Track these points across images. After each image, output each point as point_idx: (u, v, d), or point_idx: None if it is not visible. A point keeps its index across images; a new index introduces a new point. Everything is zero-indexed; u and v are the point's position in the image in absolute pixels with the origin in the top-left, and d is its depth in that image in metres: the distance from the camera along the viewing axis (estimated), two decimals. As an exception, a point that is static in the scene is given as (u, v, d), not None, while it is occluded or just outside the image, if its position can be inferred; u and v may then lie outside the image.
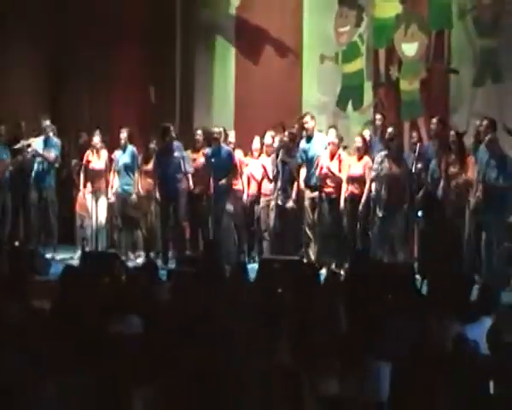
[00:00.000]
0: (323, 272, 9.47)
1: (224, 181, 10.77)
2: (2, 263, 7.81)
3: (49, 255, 10.62)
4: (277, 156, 10.79)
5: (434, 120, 10.34)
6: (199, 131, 11.32)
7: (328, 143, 10.35)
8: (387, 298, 6.32)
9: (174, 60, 13.30)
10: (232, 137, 11.46)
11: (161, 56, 13.15)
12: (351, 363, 4.98)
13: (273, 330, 5.24)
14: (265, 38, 12.95)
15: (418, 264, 9.55)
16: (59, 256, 11.04)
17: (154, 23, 13.13)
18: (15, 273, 6.29)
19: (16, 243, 11.20)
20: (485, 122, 9.56)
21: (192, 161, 11.07)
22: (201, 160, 11.05)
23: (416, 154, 9.99)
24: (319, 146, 10.52)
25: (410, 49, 12.00)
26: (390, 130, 10.49)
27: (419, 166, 9.93)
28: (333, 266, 10.18)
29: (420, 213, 9.80)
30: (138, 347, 5.04)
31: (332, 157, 10.33)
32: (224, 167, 10.78)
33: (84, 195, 11.34)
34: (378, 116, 11.20)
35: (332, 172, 10.27)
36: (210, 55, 13.35)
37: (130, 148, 11.12)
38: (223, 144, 10.97)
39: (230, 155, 10.90)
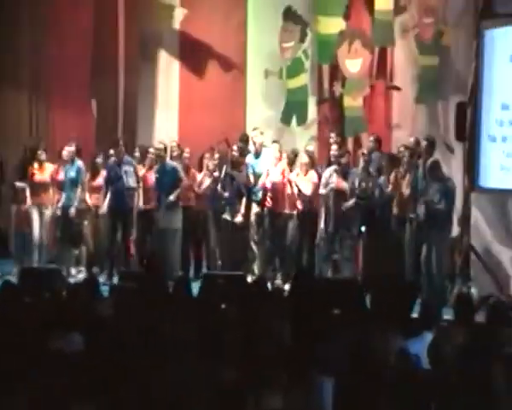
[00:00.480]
0: (268, 286, 9.48)
1: (171, 197, 10.70)
2: None
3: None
4: (220, 171, 10.80)
5: (372, 138, 10.50)
6: (151, 149, 11.22)
7: (274, 158, 10.44)
8: (332, 313, 6.34)
9: (117, 73, 13.18)
10: (187, 152, 11.40)
11: (104, 70, 13.02)
12: (295, 378, 4.97)
13: (217, 346, 5.20)
14: (210, 52, 12.93)
15: (362, 279, 9.62)
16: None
17: (97, 36, 13.00)
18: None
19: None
20: (424, 143, 9.71)
21: (143, 177, 11.01)
22: (152, 176, 10.98)
23: (361, 170, 10.10)
24: (267, 161, 10.57)
25: (353, 65, 12.09)
26: (335, 147, 10.59)
27: (363, 183, 10.03)
28: (278, 280, 10.21)
29: (363, 228, 9.89)
30: (79, 363, 4.96)
31: (277, 172, 10.40)
32: (169, 183, 10.72)
33: (28, 208, 11.17)
34: (332, 134, 11.26)
35: (277, 187, 10.33)
36: (153, 68, 13.26)
37: (77, 162, 11.02)
38: (168, 160, 10.91)
39: (175, 171, 10.82)
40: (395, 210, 9.74)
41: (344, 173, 10.16)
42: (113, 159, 10.95)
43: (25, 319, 5.65)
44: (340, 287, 7.92)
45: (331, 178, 10.14)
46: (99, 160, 11.24)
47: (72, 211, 10.92)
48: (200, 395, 4.60)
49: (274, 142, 10.92)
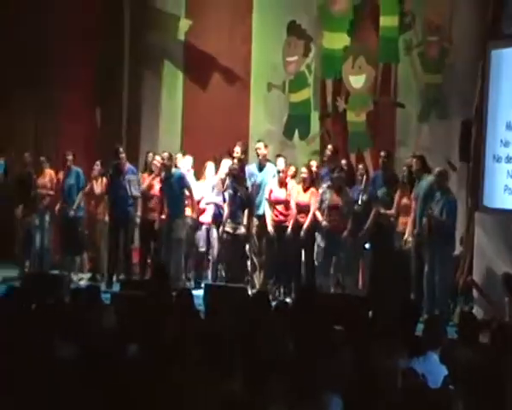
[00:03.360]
0: (270, 300, 9.48)
1: (175, 207, 10.67)
2: None
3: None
4: (223, 183, 10.78)
5: (383, 153, 10.45)
6: (157, 157, 11.14)
7: (278, 172, 10.41)
8: (334, 329, 6.33)
9: (122, 83, 13.22)
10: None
11: (109, 79, 13.05)
12: (300, 395, 4.95)
13: (221, 358, 5.17)
14: (214, 64, 12.96)
15: (365, 295, 9.58)
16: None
17: (103, 46, 13.03)
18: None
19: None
20: (414, 160, 9.74)
21: (149, 185, 10.95)
22: (157, 185, 10.94)
23: (362, 186, 10.08)
24: (269, 176, 10.55)
25: (357, 81, 12.12)
26: (343, 162, 10.59)
27: (364, 197, 10.02)
28: (278, 293, 10.18)
29: (367, 245, 9.87)
30: (81, 371, 4.93)
31: (281, 185, 10.39)
32: (175, 193, 10.69)
33: (30, 214, 11.18)
34: (329, 146, 11.27)
35: (281, 201, 10.32)
36: (158, 79, 13.30)
37: (75, 169, 11.00)
38: (174, 169, 10.88)
39: (181, 181, 10.79)
40: (400, 227, 9.73)
41: (337, 189, 10.10)
42: (112, 167, 10.93)
43: (30, 325, 5.63)
44: (343, 303, 7.91)
45: (325, 194, 10.10)
46: (98, 167, 11.23)
47: (72, 214, 10.90)
48: (207, 406, 4.57)
49: (279, 155, 10.88)
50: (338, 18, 12.32)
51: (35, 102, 12.83)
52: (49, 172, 11.25)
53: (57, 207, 11.11)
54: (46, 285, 8.26)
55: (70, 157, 11.03)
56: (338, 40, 12.25)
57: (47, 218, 11.14)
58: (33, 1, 12.93)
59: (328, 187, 10.10)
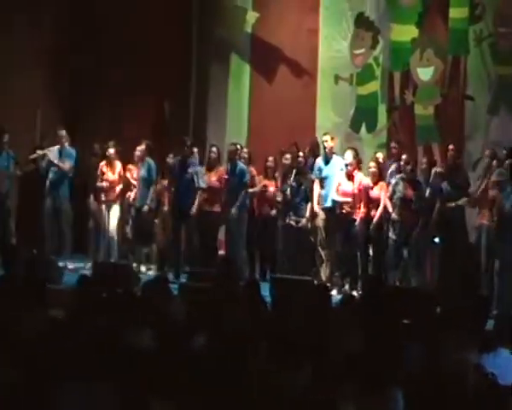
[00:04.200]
0: (334, 292, 9.49)
1: (236, 200, 10.73)
2: (18, 271, 7.82)
3: (61, 264, 10.61)
4: (288, 176, 10.79)
5: (451, 147, 10.35)
6: (213, 149, 11.16)
7: (346, 165, 10.37)
8: (402, 322, 6.31)
9: (189, 75, 13.34)
10: (245, 153, 11.35)
11: (177, 72, 13.16)
12: (367, 387, 4.94)
13: (286, 351, 5.19)
14: (281, 57, 12.97)
15: (434, 290, 9.49)
16: (71, 265, 11.03)
17: (171, 39, 13.13)
18: (33, 282, 6.28)
19: (34, 251, 11.16)
20: (504, 152, 9.59)
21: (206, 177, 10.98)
22: (213, 177, 10.98)
23: (432, 178, 9.99)
24: (336, 168, 10.51)
25: (425, 73, 12.02)
26: (405, 155, 10.50)
27: (428, 190, 9.94)
28: (346, 287, 10.16)
29: (436, 239, 9.78)
30: (150, 360, 4.99)
31: (348, 179, 10.35)
32: (237, 185, 10.76)
33: (98, 205, 11.36)
34: (393, 144, 11.19)
35: (348, 194, 10.29)
36: (225, 71, 13.36)
37: (148, 161, 11.10)
38: (238, 162, 10.95)
39: (243, 173, 10.85)
40: (473, 220, 9.63)
41: (410, 182, 10.02)
42: (178, 158, 11.01)
43: (102, 314, 5.74)
44: (410, 296, 7.87)
45: (397, 186, 10.04)
46: (170, 160, 11.33)
47: (146, 209, 11.04)
48: (273, 399, 4.59)
49: (349, 148, 10.78)
50: (406, 10, 12.24)
51: (105, 97, 13.04)
52: (117, 165, 11.35)
53: (131, 198, 11.23)
54: (115, 275, 8.40)
55: (142, 148, 11.10)
56: (406, 32, 12.16)
57: (115, 209, 11.27)
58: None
59: (402, 179, 10.01)
